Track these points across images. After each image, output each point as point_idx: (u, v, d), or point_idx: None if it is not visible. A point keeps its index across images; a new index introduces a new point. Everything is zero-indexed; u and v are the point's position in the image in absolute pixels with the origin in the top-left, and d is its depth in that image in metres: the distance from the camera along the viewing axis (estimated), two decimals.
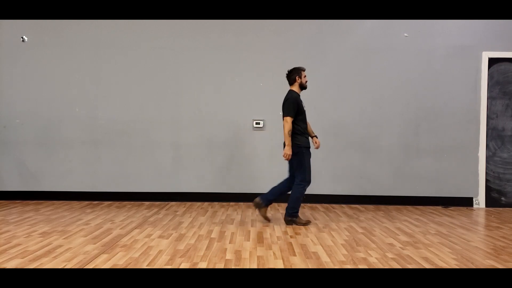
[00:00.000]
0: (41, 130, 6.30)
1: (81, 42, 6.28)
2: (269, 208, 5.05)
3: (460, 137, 6.16)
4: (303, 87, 4.85)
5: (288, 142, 4.64)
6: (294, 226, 4.76)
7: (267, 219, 4.93)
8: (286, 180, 4.94)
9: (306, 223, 4.79)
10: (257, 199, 4.86)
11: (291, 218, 4.78)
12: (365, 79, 6.22)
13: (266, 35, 6.25)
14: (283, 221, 5.01)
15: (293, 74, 4.82)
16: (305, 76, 4.85)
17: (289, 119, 4.65)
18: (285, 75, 4.91)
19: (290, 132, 4.64)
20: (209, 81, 6.27)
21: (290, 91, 4.83)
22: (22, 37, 6.27)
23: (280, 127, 6.25)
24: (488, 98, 6.16)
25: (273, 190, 4.91)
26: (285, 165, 6.27)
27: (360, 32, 6.23)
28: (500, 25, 6.11)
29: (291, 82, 4.86)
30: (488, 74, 6.14)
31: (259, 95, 6.28)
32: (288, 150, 4.63)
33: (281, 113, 6.20)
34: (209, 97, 6.28)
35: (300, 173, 4.74)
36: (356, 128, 6.22)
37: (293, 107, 4.67)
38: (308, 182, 4.75)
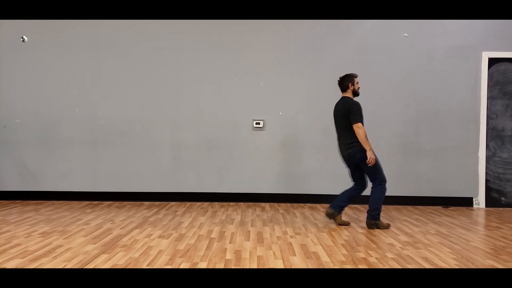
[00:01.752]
0: (41, 130, 6.30)
1: (81, 42, 6.28)
2: (342, 213, 4.97)
3: (460, 137, 6.16)
4: (355, 93, 4.77)
5: (369, 146, 4.54)
6: (294, 226, 4.75)
7: (346, 223, 4.82)
8: (352, 188, 4.86)
9: (387, 226, 4.71)
10: (328, 210, 4.80)
11: (374, 221, 4.65)
12: (365, 79, 6.20)
13: (266, 35, 6.25)
14: (282, 220, 5.01)
15: (346, 81, 4.74)
16: (357, 82, 4.76)
17: (360, 125, 4.56)
18: (337, 82, 4.81)
19: (366, 137, 4.56)
20: (209, 81, 6.27)
21: (347, 98, 4.72)
22: (22, 37, 6.27)
23: (280, 127, 6.26)
24: (488, 98, 6.16)
25: (342, 196, 4.82)
26: (284, 166, 6.29)
27: (360, 32, 6.23)
28: (500, 25, 6.11)
29: (343, 89, 4.78)
30: (488, 74, 6.14)
31: (259, 95, 6.28)
32: (371, 154, 4.52)
33: (281, 113, 6.25)
34: (209, 97, 6.28)
35: (374, 176, 4.64)
36: None
37: (360, 113, 4.59)
38: (384, 181, 4.63)
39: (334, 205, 4.80)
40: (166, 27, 6.24)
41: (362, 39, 6.22)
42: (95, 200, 6.26)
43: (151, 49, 6.27)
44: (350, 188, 4.86)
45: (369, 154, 4.53)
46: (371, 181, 4.70)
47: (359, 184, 4.82)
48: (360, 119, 4.58)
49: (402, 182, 6.21)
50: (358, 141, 4.61)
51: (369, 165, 4.54)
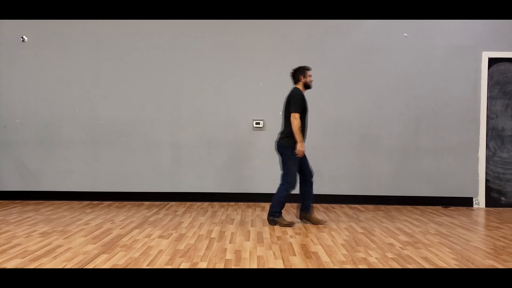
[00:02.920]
0: (41, 130, 6.30)
1: (81, 42, 6.28)
2: (313, 211, 5.00)
3: (460, 137, 6.16)
4: (307, 86, 4.81)
5: (300, 138, 4.59)
6: (294, 226, 4.75)
7: (321, 222, 4.83)
8: (300, 186, 4.88)
9: (289, 224, 4.73)
10: (299, 214, 4.86)
11: (272, 217, 4.74)
12: (365, 79, 6.22)
13: (266, 35, 6.25)
14: None
15: (298, 73, 4.79)
16: (310, 75, 4.80)
17: (297, 115, 4.59)
18: (290, 74, 4.87)
19: (300, 129, 4.60)
20: (209, 81, 6.27)
21: (295, 88, 4.80)
22: (22, 37, 6.27)
23: (280, 127, 6.24)
24: (488, 98, 6.16)
25: (300, 198, 4.87)
26: None
27: (360, 32, 6.22)
28: (500, 25, 6.11)
29: (295, 81, 4.83)
30: (488, 74, 6.14)
31: (259, 95, 6.28)
32: (301, 147, 4.58)
33: (281, 112, 6.23)
34: (209, 97, 6.28)
35: (284, 175, 4.72)
36: (356, 128, 6.22)
37: (300, 103, 4.63)
38: (291, 185, 4.67)
39: (301, 208, 4.85)
40: (166, 27, 6.24)
41: (362, 39, 6.22)
42: (95, 200, 6.26)
43: (151, 49, 6.27)
44: (299, 186, 4.88)
45: (297, 146, 4.60)
46: (281, 177, 4.76)
47: (304, 174, 4.84)
48: (298, 109, 4.62)
49: (402, 182, 6.21)
50: (287, 135, 4.68)
51: (298, 156, 4.61)
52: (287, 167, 4.69)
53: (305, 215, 4.84)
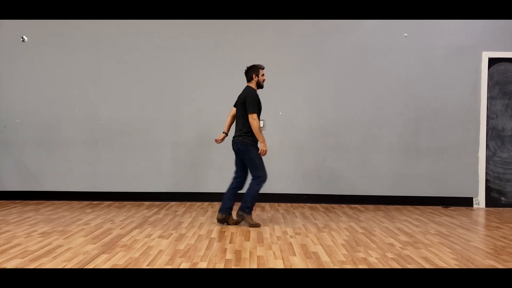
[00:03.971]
0: (41, 130, 6.30)
1: (81, 42, 6.28)
2: (233, 213, 4.96)
3: (460, 137, 6.16)
4: (259, 85, 4.83)
5: (262, 138, 4.61)
6: (294, 226, 4.75)
7: (238, 223, 4.79)
8: (233, 181, 4.86)
9: (255, 225, 4.69)
10: (218, 216, 4.74)
11: (242, 213, 4.69)
12: (365, 79, 6.21)
13: (266, 35, 6.25)
14: (282, 220, 5.02)
15: (251, 72, 4.80)
16: (262, 74, 4.81)
17: (255, 116, 4.61)
18: (244, 72, 4.87)
19: (260, 129, 4.63)
20: (209, 81, 6.27)
21: (249, 87, 4.79)
22: (22, 37, 6.27)
23: (280, 127, 6.26)
24: (488, 98, 6.16)
25: (226, 198, 4.78)
26: (284, 166, 6.29)
27: (360, 32, 6.22)
28: (500, 25, 6.11)
29: (248, 79, 4.84)
30: (488, 74, 6.14)
31: (259, 95, 6.26)
32: (264, 146, 4.60)
33: (281, 113, 6.24)
34: (209, 97, 6.28)
35: (253, 171, 4.69)
36: (356, 128, 6.22)
37: (255, 104, 4.64)
38: (263, 178, 4.67)
39: (222, 208, 4.76)
40: (166, 27, 6.23)
41: (362, 39, 6.22)
42: (95, 200, 6.25)
43: (151, 49, 6.27)
44: (230, 186, 4.86)
45: (261, 146, 4.63)
46: (251, 174, 4.74)
47: (238, 174, 4.84)
48: (255, 110, 4.63)
49: (402, 182, 6.21)
50: (246, 133, 4.68)
51: (262, 155, 4.64)
52: (253, 163, 4.67)
53: (224, 217, 4.74)
